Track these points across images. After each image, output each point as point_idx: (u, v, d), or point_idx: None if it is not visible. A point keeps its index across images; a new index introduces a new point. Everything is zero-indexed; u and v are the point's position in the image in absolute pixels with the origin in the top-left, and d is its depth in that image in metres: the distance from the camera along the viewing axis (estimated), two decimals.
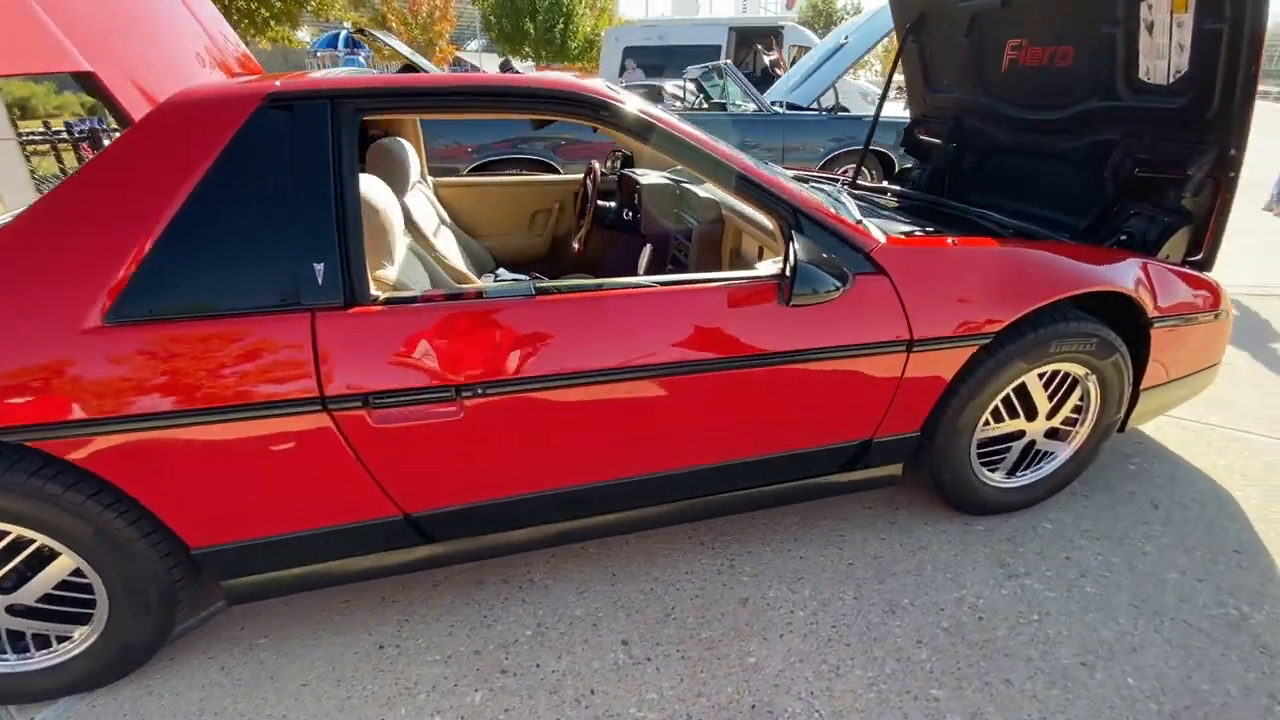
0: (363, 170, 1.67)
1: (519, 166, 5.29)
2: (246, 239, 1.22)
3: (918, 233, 1.81)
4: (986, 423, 1.82)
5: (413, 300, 1.31)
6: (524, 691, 1.45)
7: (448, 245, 2.47)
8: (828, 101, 6.01)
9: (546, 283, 1.40)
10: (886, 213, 2.05)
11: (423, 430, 1.32)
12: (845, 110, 6.19)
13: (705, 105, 6.37)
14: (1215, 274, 1.98)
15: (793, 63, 14.91)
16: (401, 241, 1.65)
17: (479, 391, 1.31)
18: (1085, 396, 1.87)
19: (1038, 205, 2.54)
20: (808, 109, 6.06)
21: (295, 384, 1.22)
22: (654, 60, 15.53)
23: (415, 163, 2.41)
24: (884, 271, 1.52)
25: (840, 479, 1.76)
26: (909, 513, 2.00)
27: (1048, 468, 1.96)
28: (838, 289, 1.38)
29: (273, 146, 1.24)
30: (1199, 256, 2.00)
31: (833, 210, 1.54)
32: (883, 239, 1.55)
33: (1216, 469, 2.21)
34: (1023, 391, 1.81)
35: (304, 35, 14.73)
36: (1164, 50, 1.90)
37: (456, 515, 1.48)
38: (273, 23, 12.90)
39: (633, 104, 1.45)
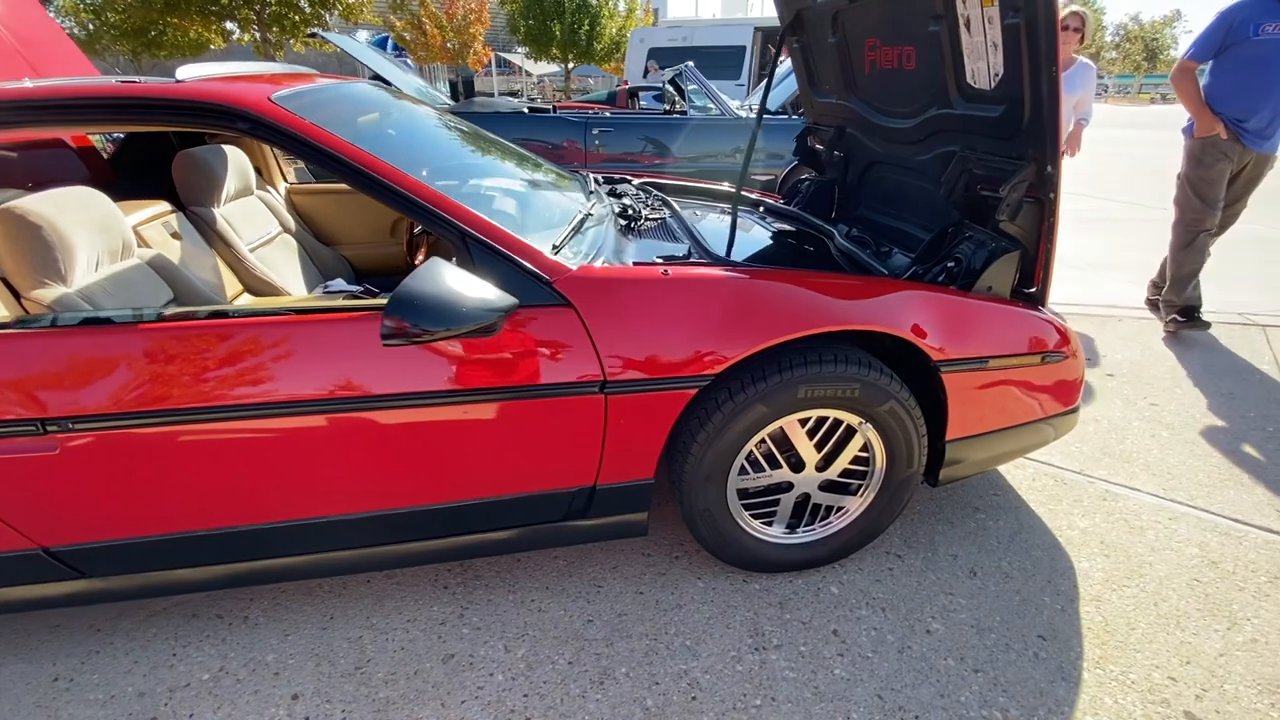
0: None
1: None
2: None
3: (660, 260, 1.58)
4: (744, 471, 1.61)
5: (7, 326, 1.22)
6: None
7: (276, 256, 2.41)
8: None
9: (173, 310, 1.29)
10: (697, 233, 1.85)
11: (19, 464, 1.23)
12: None
13: (677, 108, 6.16)
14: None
15: None
16: (93, 258, 1.56)
17: (68, 426, 1.20)
18: (869, 448, 1.64)
19: (910, 223, 2.30)
20: (776, 112, 5.79)
21: None
22: (679, 62, 15.34)
23: (242, 171, 2.35)
24: (570, 304, 1.34)
25: (579, 525, 1.58)
26: (687, 564, 1.80)
27: (836, 524, 1.73)
28: (473, 327, 1.20)
29: None
30: (1033, 289, 1.74)
31: (514, 234, 1.37)
32: (574, 268, 1.37)
33: (1072, 532, 1.92)
34: (786, 440, 1.60)
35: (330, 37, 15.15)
36: (982, 50, 1.65)
37: (107, 551, 1.39)
38: (303, 26, 13.35)
39: (292, 118, 1.32)
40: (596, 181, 2.45)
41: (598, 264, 1.44)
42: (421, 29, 19.21)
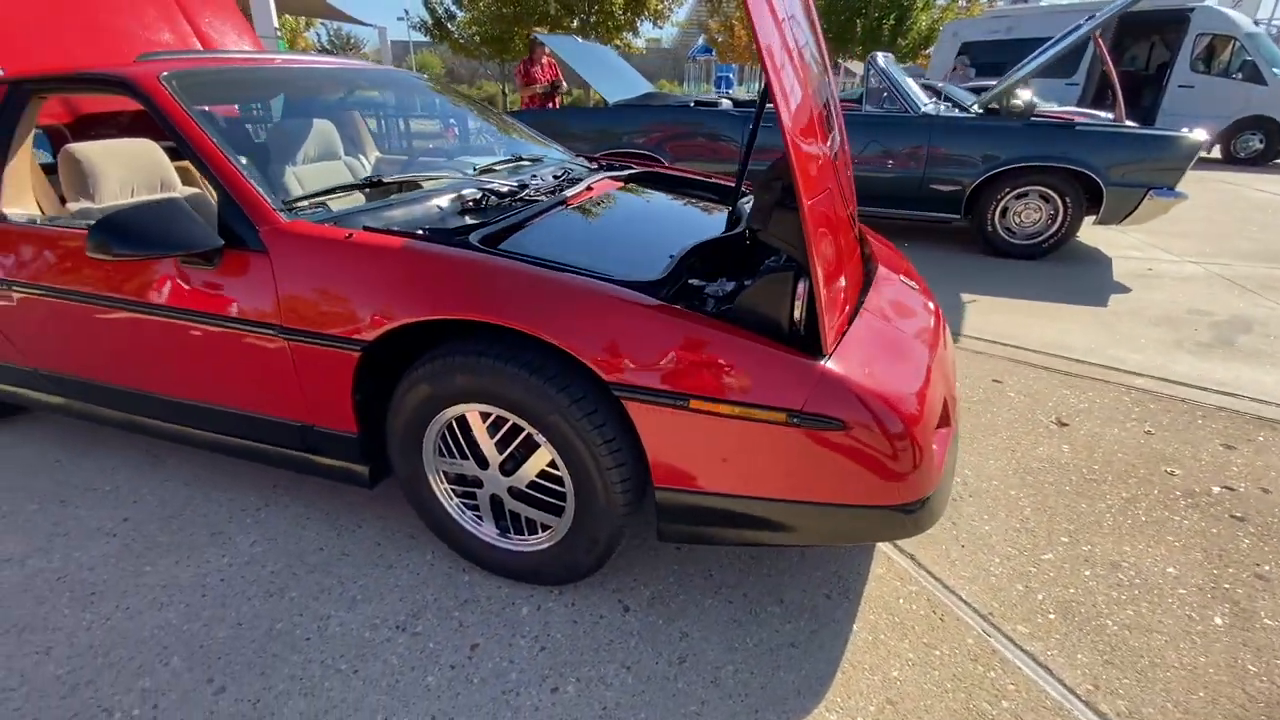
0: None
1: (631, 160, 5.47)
2: None
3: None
4: (442, 453, 1.57)
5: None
6: None
7: None
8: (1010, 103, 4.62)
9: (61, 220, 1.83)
10: (513, 219, 1.71)
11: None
12: (1051, 115, 4.64)
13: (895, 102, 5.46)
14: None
15: (1205, 57, 11.20)
16: (128, 189, 2.22)
17: (10, 287, 1.83)
18: (559, 466, 1.44)
19: None
20: (965, 110, 4.78)
21: None
22: (999, 57, 13.30)
23: (326, 140, 2.99)
24: (266, 252, 1.50)
25: (312, 459, 1.72)
26: (429, 540, 1.81)
27: (534, 543, 1.56)
28: (160, 255, 1.46)
29: None
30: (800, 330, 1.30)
31: (251, 187, 1.56)
32: (284, 221, 1.52)
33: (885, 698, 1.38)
34: (470, 429, 1.51)
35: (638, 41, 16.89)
36: None
37: (55, 379, 2.04)
38: (616, 32, 15.20)
39: (160, 93, 1.71)
40: (568, 167, 2.44)
41: (322, 223, 1.55)
42: (732, 30, 20.02)
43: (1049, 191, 4.43)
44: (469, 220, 1.75)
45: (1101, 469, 2.11)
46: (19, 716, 1.33)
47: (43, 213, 2.08)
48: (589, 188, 2.15)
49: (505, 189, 2.01)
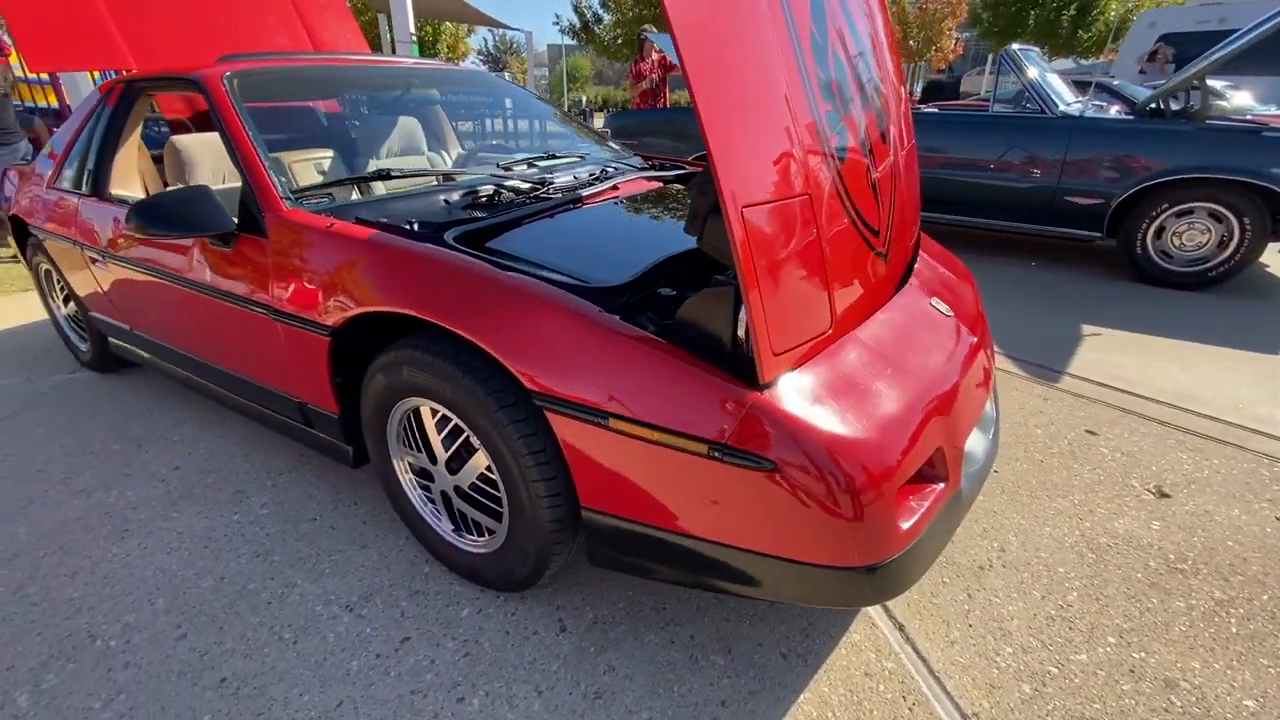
0: None
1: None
2: None
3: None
4: (405, 444, 1.59)
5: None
6: None
7: None
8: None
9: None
10: (513, 217, 1.68)
11: (102, 273, 2.23)
12: (1216, 117, 3.79)
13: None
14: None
15: None
16: (219, 176, 2.50)
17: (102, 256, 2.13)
18: (492, 469, 1.39)
19: None
20: (1114, 112, 4.06)
21: None
22: (1204, 50, 11.37)
23: (409, 135, 3.19)
24: (266, 238, 1.60)
25: (307, 431, 1.82)
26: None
27: (478, 545, 1.53)
28: (180, 237, 1.62)
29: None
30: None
31: (269, 179, 1.66)
32: (286, 209, 1.60)
33: None
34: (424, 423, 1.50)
35: None
36: None
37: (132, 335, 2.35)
38: None
39: (219, 91, 1.88)
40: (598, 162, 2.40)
41: (320, 213, 1.63)
42: None
43: (1222, 210, 3.65)
44: (469, 215, 1.75)
45: (1197, 559, 1.68)
46: (31, 627, 1.53)
47: (147, 195, 2.40)
48: (614, 187, 2.09)
49: (525, 185, 2.00)
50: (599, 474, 1.24)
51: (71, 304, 2.78)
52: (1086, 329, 3.29)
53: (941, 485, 1.28)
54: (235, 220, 1.68)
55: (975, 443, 1.53)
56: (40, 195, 2.54)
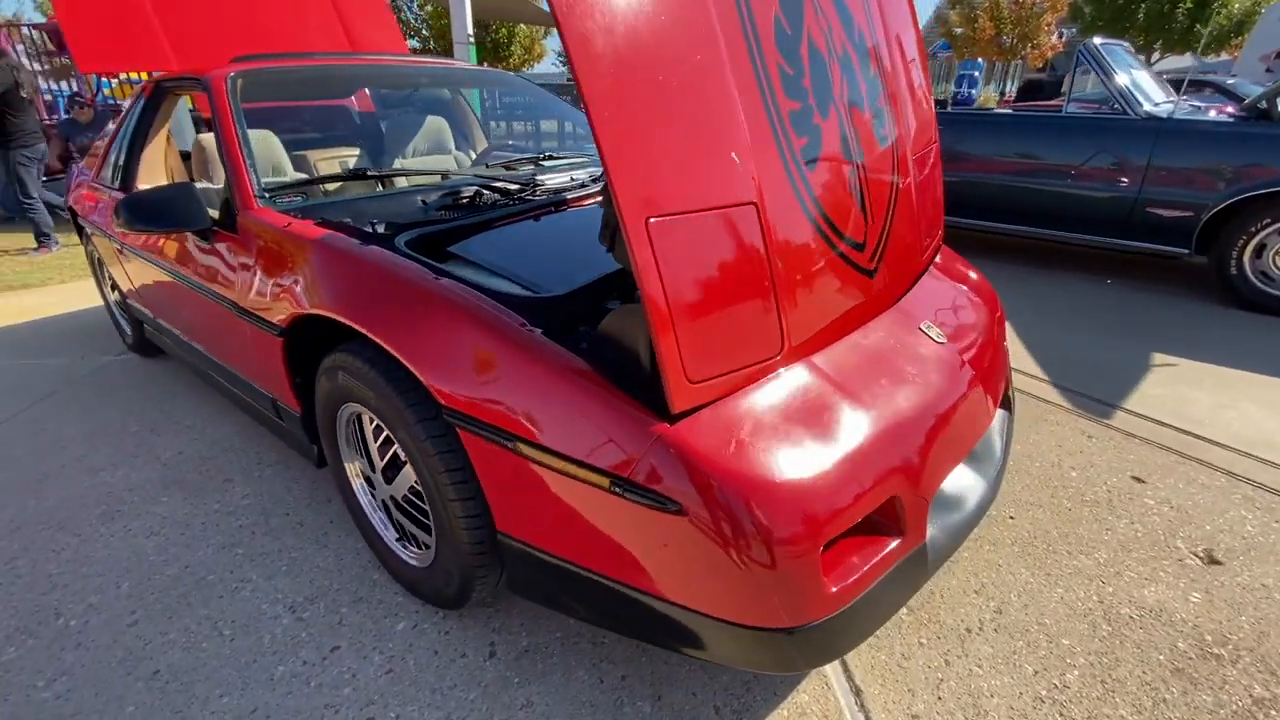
0: None
1: None
2: None
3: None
4: (356, 448, 1.56)
5: None
6: None
7: None
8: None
9: None
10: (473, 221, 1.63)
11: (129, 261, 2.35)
12: None
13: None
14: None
15: None
16: None
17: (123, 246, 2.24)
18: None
19: None
20: (1217, 114, 3.57)
21: None
22: None
23: (435, 135, 3.22)
24: (237, 234, 1.61)
25: (282, 427, 1.82)
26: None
27: (418, 559, 1.47)
28: (160, 231, 1.68)
29: None
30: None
31: (247, 178, 1.67)
32: (258, 206, 1.61)
33: None
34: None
35: None
36: None
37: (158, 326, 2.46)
38: None
39: (220, 91, 1.93)
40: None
41: (287, 213, 1.62)
42: (974, 22, 17.65)
43: None
44: (439, 217, 1.71)
45: (1240, 643, 1.41)
46: (10, 599, 1.61)
47: None
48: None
49: (513, 186, 1.95)
50: (512, 498, 1.16)
51: (116, 290, 2.96)
52: (1159, 358, 2.91)
53: (896, 541, 1.12)
54: (216, 216, 1.71)
55: (963, 487, 1.35)
56: (86, 188, 2.73)
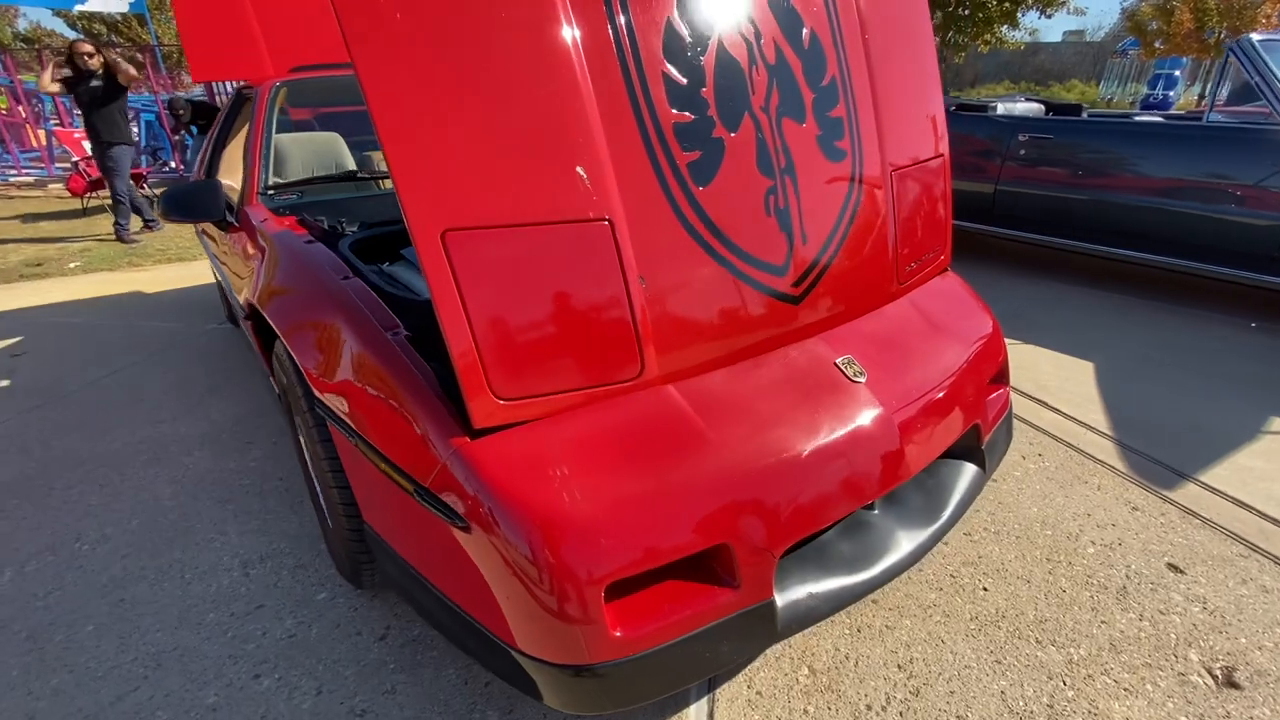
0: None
1: None
2: None
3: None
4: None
5: None
6: None
7: None
8: None
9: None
10: None
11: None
12: None
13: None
14: None
15: None
16: (309, 170, 2.90)
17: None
18: None
19: None
20: None
21: None
22: None
23: None
24: (240, 227, 1.81)
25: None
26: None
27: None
28: (191, 221, 1.90)
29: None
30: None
31: (258, 166, 1.88)
32: (257, 202, 1.80)
33: None
34: None
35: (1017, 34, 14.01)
36: None
37: None
38: (993, 25, 13.02)
39: (262, 97, 2.18)
40: None
41: (276, 209, 1.80)
42: (1170, 15, 15.18)
43: None
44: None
45: None
46: (52, 519, 1.94)
47: None
48: None
49: None
50: (364, 493, 1.21)
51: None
52: (1277, 424, 2.37)
53: (729, 594, 1.03)
54: (233, 209, 1.94)
55: (867, 545, 1.21)
56: (192, 177, 3.21)
